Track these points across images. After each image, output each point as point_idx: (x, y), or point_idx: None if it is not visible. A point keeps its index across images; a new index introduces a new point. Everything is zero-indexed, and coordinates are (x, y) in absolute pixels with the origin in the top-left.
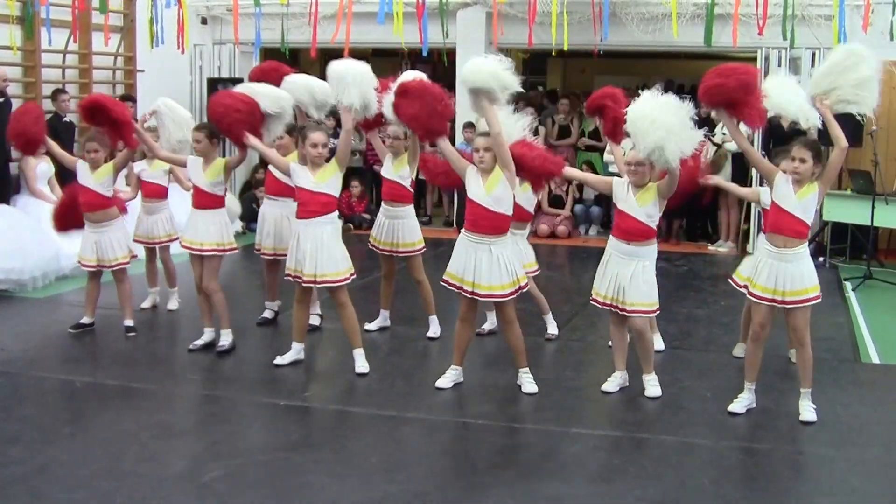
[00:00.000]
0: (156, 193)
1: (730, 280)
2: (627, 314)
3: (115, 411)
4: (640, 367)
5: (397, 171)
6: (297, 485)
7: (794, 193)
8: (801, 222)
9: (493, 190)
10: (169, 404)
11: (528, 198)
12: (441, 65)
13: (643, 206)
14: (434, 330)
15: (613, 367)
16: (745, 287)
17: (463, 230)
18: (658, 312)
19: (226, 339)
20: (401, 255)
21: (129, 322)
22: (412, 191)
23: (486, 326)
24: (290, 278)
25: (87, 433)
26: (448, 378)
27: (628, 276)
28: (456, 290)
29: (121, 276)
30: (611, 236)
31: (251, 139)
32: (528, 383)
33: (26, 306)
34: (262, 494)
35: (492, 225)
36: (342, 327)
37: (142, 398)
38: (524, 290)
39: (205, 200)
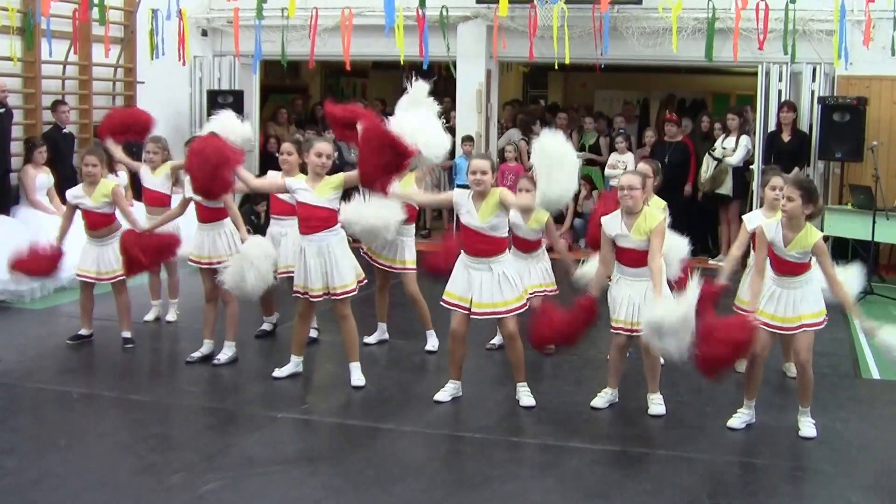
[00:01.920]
0: (158, 202)
1: (734, 308)
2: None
3: (111, 423)
4: (646, 384)
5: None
6: (295, 497)
7: (784, 247)
8: (801, 265)
9: (488, 218)
10: (166, 416)
11: (533, 234)
12: (442, 78)
13: (642, 238)
14: (432, 343)
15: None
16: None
17: (462, 254)
18: None
19: (227, 351)
20: (396, 271)
21: (126, 334)
22: (416, 209)
23: (496, 341)
24: (299, 295)
25: (84, 445)
26: (447, 392)
27: (642, 294)
28: (454, 308)
29: (119, 288)
30: (617, 263)
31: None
32: (525, 396)
33: (24, 317)
34: None
35: (489, 248)
36: (342, 339)
37: (139, 410)
38: (523, 308)
39: (207, 214)
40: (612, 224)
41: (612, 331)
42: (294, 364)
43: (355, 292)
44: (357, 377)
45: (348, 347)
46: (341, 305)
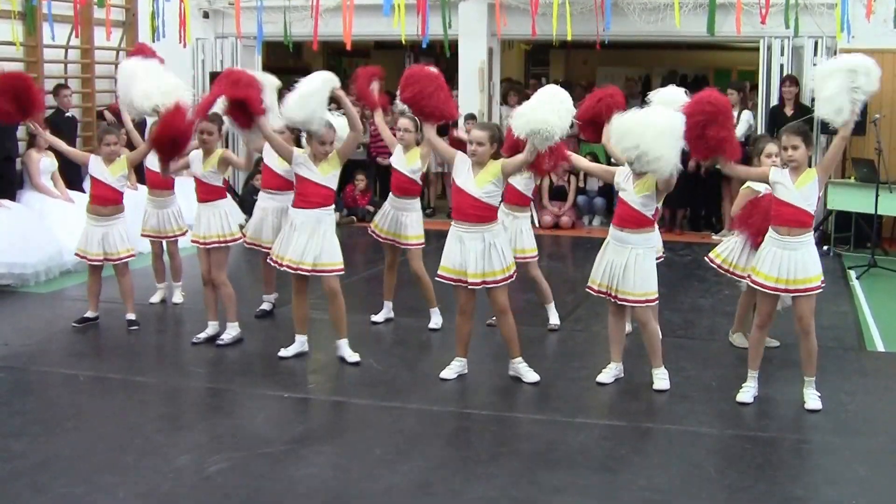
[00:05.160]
0: (163, 184)
1: (706, 258)
2: (619, 302)
3: (118, 405)
4: (649, 360)
5: (409, 164)
6: (301, 476)
7: (792, 184)
8: (804, 212)
9: (484, 185)
10: (172, 397)
11: (525, 182)
12: (444, 57)
13: (639, 194)
14: (435, 321)
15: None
16: (728, 270)
17: (453, 221)
18: (655, 303)
19: (231, 332)
20: (401, 246)
21: (131, 316)
22: (421, 184)
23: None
24: (277, 265)
25: (91, 427)
26: (452, 369)
27: (622, 265)
28: (454, 284)
29: (123, 271)
30: (611, 224)
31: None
32: (526, 372)
33: (29, 301)
34: (266, 486)
35: (480, 215)
36: (329, 316)
37: (145, 391)
38: (510, 280)
39: (205, 192)
40: (620, 174)
41: (586, 288)
42: (299, 343)
43: (342, 272)
44: (349, 354)
45: (336, 324)
46: (331, 281)
